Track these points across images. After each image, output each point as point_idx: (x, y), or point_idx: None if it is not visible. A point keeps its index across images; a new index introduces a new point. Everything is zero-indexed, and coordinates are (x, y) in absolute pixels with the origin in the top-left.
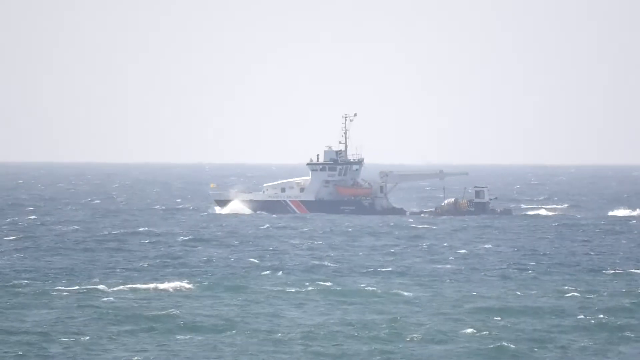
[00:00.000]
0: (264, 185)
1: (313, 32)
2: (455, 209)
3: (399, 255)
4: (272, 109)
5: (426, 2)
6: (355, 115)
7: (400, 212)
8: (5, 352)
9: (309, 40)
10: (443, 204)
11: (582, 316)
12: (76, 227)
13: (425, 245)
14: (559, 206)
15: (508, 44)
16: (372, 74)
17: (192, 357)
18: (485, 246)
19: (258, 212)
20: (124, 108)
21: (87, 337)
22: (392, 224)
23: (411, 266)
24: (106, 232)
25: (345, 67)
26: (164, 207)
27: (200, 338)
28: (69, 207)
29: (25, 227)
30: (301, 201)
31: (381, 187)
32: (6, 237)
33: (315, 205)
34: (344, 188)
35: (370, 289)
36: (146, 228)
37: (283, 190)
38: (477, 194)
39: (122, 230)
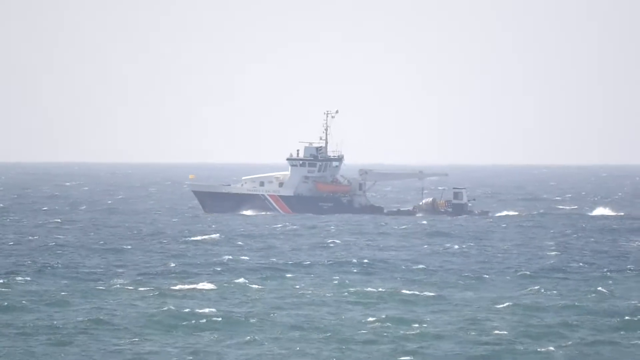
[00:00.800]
0: (243, 178)
1: (313, 32)
2: (433, 209)
3: (418, 254)
4: (272, 108)
5: (426, 2)
6: (337, 112)
7: (379, 210)
8: (37, 348)
9: (309, 40)
10: (421, 203)
11: (613, 315)
12: (94, 227)
13: (444, 244)
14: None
15: (508, 44)
16: (372, 74)
17: (223, 353)
18: (504, 247)
19: (237, 207)
20: (124, 108)
21: (116, 336)
22: (405, 225)
23: (432, 266)
24: (121, 233)
25: (345, 67)
26: (176, 207)
27: (231, 337)
28: (83, 207)
29: (42, 228)
30: (280, 196)
31: (360, 185)
32: (25, 238)
33: (293, 201)
34: (323, 184)
35: (395, 287)
36: (163, 227)
37: (262, 184)
38: (456, 195)
39: (141, 231)
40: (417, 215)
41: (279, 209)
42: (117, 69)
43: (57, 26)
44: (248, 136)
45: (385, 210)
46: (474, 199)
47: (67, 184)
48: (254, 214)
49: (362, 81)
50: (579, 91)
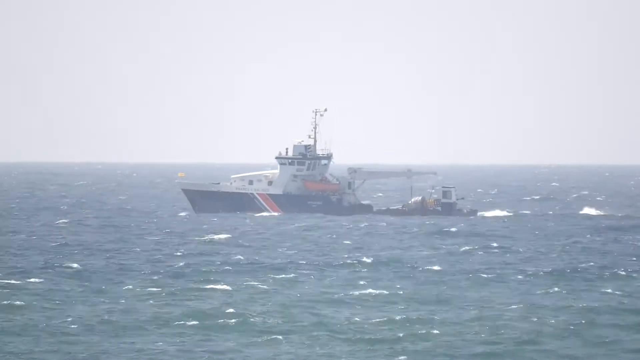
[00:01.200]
0: (232, 177)
1: (313, 32)
2: (422, 208)
3: (429, 254)
4: (272, 108)
5: (426, 2)
6: (325, 110)
7: (368, 208)
8: (47, 347)
9: (309, 40)
10: (410, 202)
11: (626, 314)
12: (102, 227)
13: (454, 244)
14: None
15: (508, 44)
16: (372, 74)
17: (236, 351)
18: (514, 247)
19: (227, 206)
20: (124, 108)
21: (128, 336)
22: (414, 227)
23: (444, 265)
24: (129, 233)
25: (345, 67)
26: (183, 207)
27: (245, 337)
28: (89, 207)
29: (51, 227)
30: (269, 194)
31: (349, 184)
32: (33, 238)
33: (282, 199)
34: (312, 183)
35: (407, 287)
36: (171, 227)
37: (251, 182)
38: (445, 194)
39: (149, 230)
40: (408, 214)
41: (268, 208)
42: (117, 69)
43: (57, 26)
44: (248, 136)
45: (374, 209)
46: (463, 198)
47: (76, 183)
48: (246, 213)
49: (362, 81)
50: (579, 91)
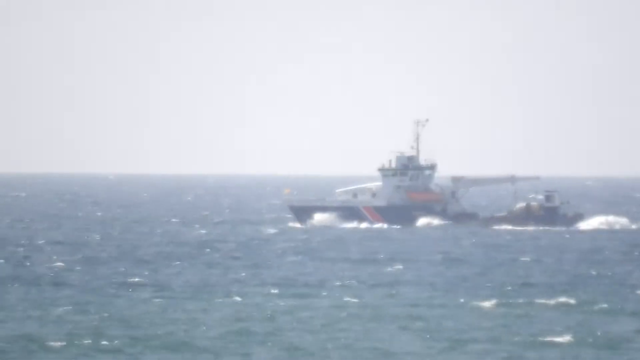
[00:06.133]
0: (337, 191)
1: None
2: (527, 214)
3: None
4: (308, 118)
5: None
6: (427, 120)
7: (473, 216)
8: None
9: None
10: (514, 208)
11: None
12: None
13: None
14: None
15: (509, 48)
16: (444, 82)
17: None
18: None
19: (331, 219)
20: (123, 117)
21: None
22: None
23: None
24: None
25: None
26: (242, 218)
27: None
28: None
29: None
30: (373, 207)
31: (453, 192)
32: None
33: (386, 211)
34: (415, 193)
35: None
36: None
37: (355, 195)
38: (548, 198)
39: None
40: (512, 220)
41: (372, 220)
42: (127, 79)
43: (58, 27)
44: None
45: (480, 217)
46: (568, 202)
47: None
48: (352, 225)
49: (430, 89)
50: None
